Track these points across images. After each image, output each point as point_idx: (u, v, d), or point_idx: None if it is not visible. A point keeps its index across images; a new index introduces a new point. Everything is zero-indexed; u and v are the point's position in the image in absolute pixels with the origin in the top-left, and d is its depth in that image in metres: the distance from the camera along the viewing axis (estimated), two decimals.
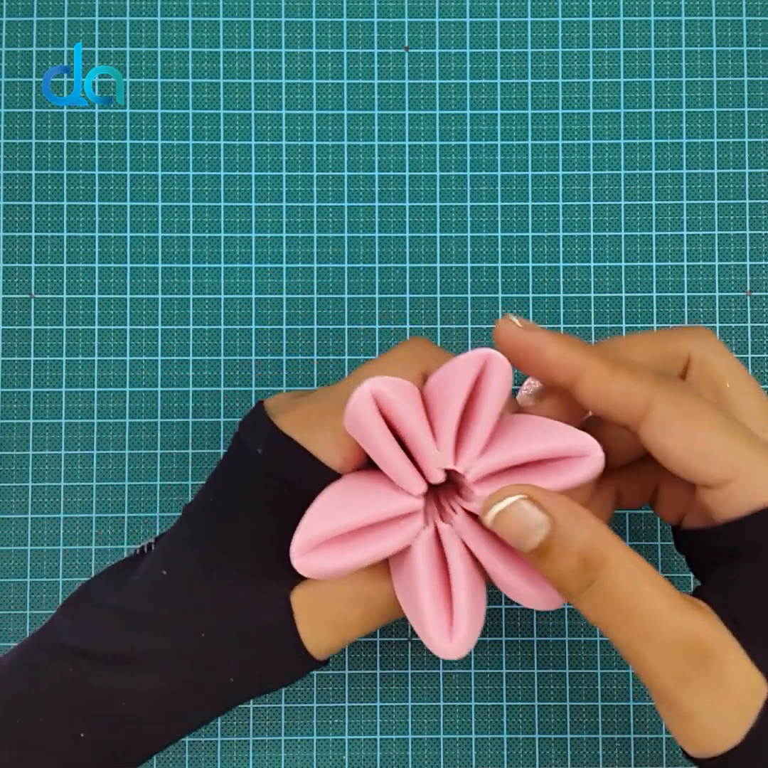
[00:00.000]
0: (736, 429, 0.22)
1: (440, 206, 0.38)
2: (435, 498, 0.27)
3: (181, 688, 0.27)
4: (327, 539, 0.25)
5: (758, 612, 0.21)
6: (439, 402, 0.25)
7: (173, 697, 0.27)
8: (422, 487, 0.25)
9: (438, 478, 0.25)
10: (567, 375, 0.24)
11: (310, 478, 0.26)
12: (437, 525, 0.26)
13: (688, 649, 0.21)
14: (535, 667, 0.37)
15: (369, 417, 0.24)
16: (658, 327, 0.38)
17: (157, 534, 0.34)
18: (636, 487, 0.28)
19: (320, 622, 0.27)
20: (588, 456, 0.24)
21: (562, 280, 0.38)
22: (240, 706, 0.37)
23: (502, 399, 0.24)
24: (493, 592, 0.37)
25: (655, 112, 0.38)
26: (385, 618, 0.28)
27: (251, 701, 0.37)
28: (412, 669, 0.37)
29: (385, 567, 0.27)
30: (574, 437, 0.24)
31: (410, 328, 0.38)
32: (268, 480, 0.28)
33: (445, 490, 0.27)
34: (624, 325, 0.38)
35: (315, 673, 0.37)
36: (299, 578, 0.27)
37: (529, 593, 0.25)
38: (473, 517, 0.26)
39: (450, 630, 0.25)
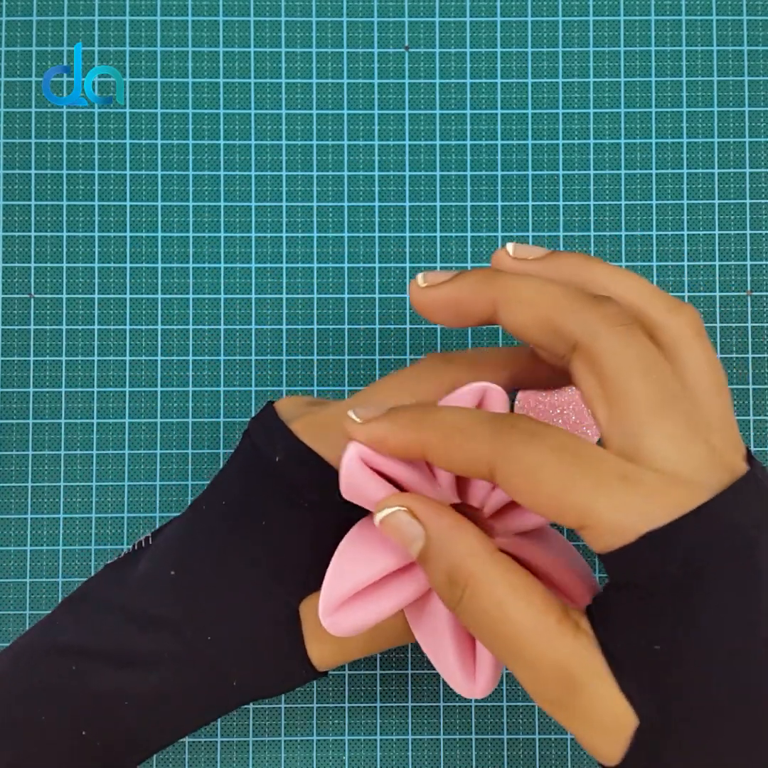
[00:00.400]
0: (579, 475, 0.20)
1: (440, 206, 0.38)
2: None
3: (184, 690, 0.27)
4: (351, 596, 0.24)
5: (626, 640, 0.20)
6: None
7: (176, 698, 0.27)
8: None
9: None
10: (417, 457, 0.23)
11: (329, 487, 0.26)
12: None
13: (555, 675, 0.20)
14: None
15: (362, 479, 0.24)
16: None
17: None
18: None
19: (327, 638, 0.27)
20: None
21: None
22: (240, 707, 0.37)
23: None
24: None
25: (656, 112, 0.38)
26: (392, 643, 0.28)
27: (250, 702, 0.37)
28: (411, 670, 0.37)
29: None
30: None
31: (410, 328, 0.38)
32: (285, 487, 0.27)
33: None
34: None
35: None
36: (309, 588, 0.27)
37: None
38: None
39: (474, 669, 0.25)
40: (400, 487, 0.24)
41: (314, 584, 0.26)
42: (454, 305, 0.24)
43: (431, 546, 0.22)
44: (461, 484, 0.25)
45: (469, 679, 0.24)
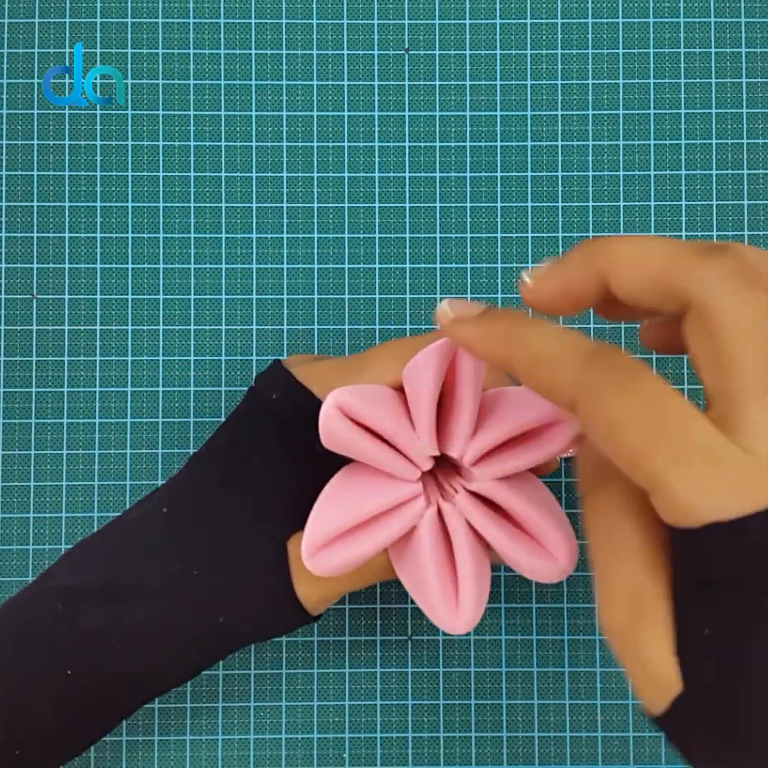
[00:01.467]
0: (662, 441, 0.18)
1: (440, 207, 0.38)
2: (435, 479, 0.27)
3: (171, 625, 0.27)
4: (334, 537, 0.25)
5: (684, 613, 0.20)
6: (413, 392, 0.25)
7: (164, 633, 0.27)
8: (416, 474, 0.26)
9: (426, 465, 0.26)
10: (502, 368, 0.22)
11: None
12: (440, 505, 0.26)
13: (628, 593, 0.20)
14: (535, 665, 0.37)
15: (341, 428, 0.24)
16: None
17: None
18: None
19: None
20: (566, 421, 0.25)
21: None
22: (241, 704, 0.37)
23: (478, 384, 0.25)
24: (492, 594, 0.37)
25: (654, 114, 0.38)
26: (380, 577, 0.28)
27: (252, 698, 0.37)
28: (412, 668, 0.37)
29: None
30: (553, 404, 0.25)
31: (410, 328, 0.38)
32: (280, 425, 0.28)
33: (445, 471, 0.27)
34: (623, 325, 0.38)
35: (315, 671, 0.37)
36: (297, 525, 0.27)
37: (533, 566, 0.25)
38: (475, 495, 0.26)
39: (456, 605, 0.25)
40: (378, 437, 0.25)
41: (302, 522, 0.26)
42: (567, 292, 0.22)
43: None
44: (441, 434, 0.26)
45: (452, 615, 0.25)
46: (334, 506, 0.25)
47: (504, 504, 0.26)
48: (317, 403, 0.26)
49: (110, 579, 0.28)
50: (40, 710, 0.28)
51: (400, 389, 0.26)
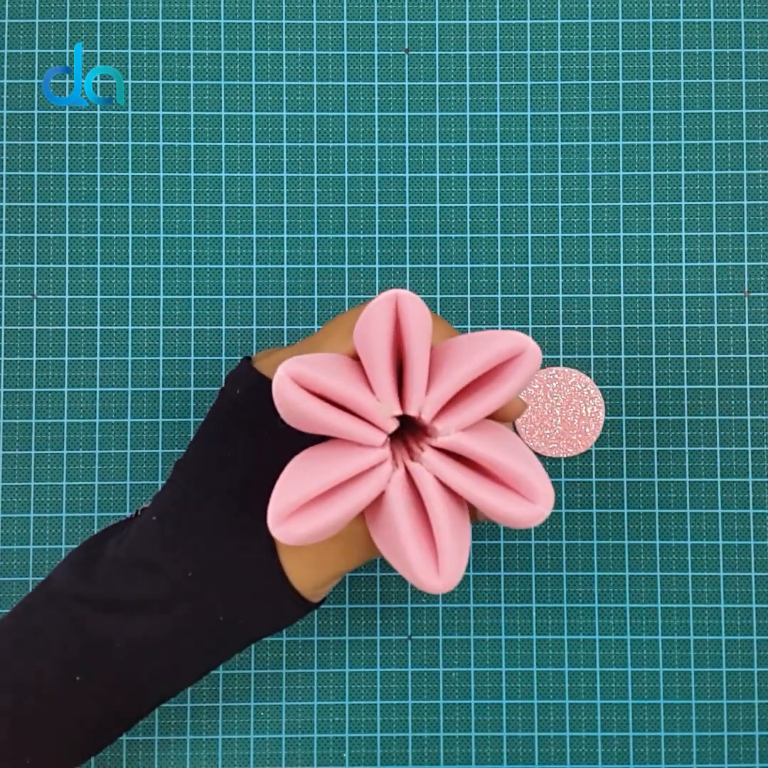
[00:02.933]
0: None
1: (440, 207, 0.38)
2: (405, 445, 0.27)
3: (173, 629, 0.28)
4: (301, 505, 0.25)
5: None
6: (365, 353, 0.25)
7: (166, 638, 0.28)
8: (381, 438, 0.25)
9: (391, 426, 0.25)
10: None
11: None
12: (407, 466, 0.26)
13: None
14: (535, 665, 0.37)
15: (295, 397, 0.24)
16: (657, 328, 0.38)
17: None
18: None
19: (303, 555, 0.27)
20: (524, 352, 0.24)
21: (561, 280, 0.38)
22: (241, 703, 0.37)
23: (425, 333, 0.24)
24: (493, 593, 0.37)
25: (654, 114, 0.38)
26: (366, 553, 0.28)
27: (252, 698, 0.37)
28: (412, 667, 0.37)
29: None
30: (502, 340, 0.24)
31: None
32: (246, 418, 0.28)
33: (415, 436, 0.27)
34: (622, 326, 0.38)
35: (315, 671, 0.37)
36: None
37: (509, 511, 0.25)
38: (443, 451, 0.26)
39: (436, 565, 0.25)
40: (335, 405, 0.25)
41: None
42: None
43: None
44: (402, 399, 0.25)
45: (432, 576, 0.25)
46: (299, 476, 0.25)
47: (472, 454, 0.25)
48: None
49: (112, 590, 0.28)
50: (51, 717, 0.28)
51: (358, 359, 0.26)
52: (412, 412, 0.25)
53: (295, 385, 0.24)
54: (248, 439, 0.28)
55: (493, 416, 0.27)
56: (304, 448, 0.26)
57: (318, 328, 0.38)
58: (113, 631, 0.28)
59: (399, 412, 0.25)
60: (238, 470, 0.28)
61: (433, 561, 0.25)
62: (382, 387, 0.25)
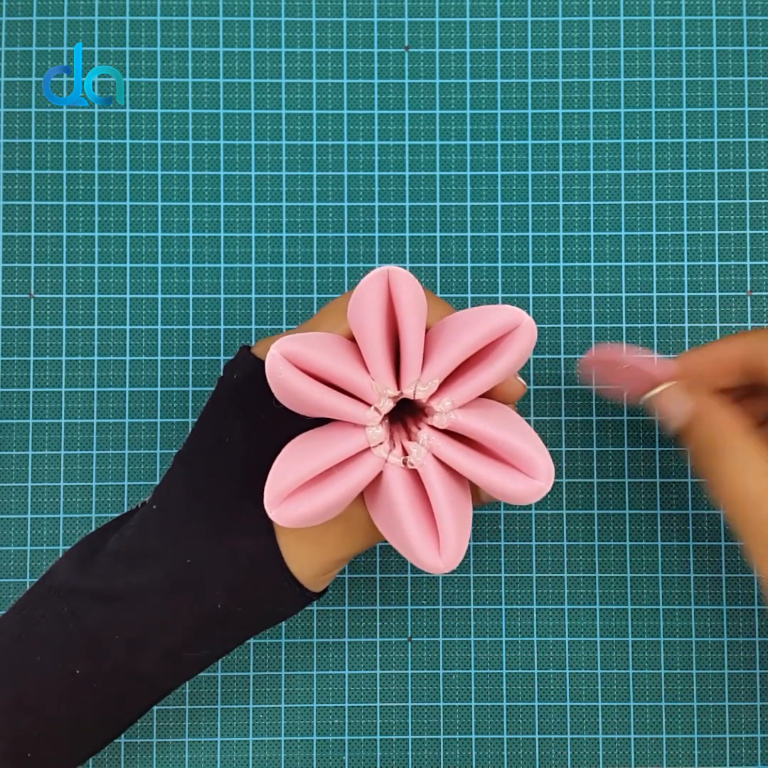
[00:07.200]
0: None
1: (440, 206, 0.38)
2: (405, 429, 0.27)
3: (171, 619, 0.28)
4: (298, 487, 0.24)
5: None
6: (359, 332, 0.24)
7: (164, 628, 0.28)
8: (377, 418, 0.25)
9: (387, 406, 0.25)
10: None
11: None
12: (405, 446, 0.25)
13: None
14: (535, 666, 0.37)
15: (288, 375, 0.24)
16: (658, 327, 0.38)
17: None
18: None
19: (302, 539, 0.27)
20: (519, 325, 0.24)
21: (562, 279, 0.38)
22: (240, 706, 0.37)
23: (418, 309, 0.24)
24: (493, 595, 0.37)
25: (656, 112, 0.38)
26: (367, 538, 0.28)
27: (251, 700, 0.37)
28: (412, 669, 0.37)
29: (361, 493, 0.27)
30: (496, 314, 0.24)
31: None
32: (243, 404, 0.28)
33: (415, 419, 0.27)
34: (624, 325, 0.38)
35: (315, 673, 0.37)
36: None
37: (509, 487, 0.25)
38: (444, 433, 0.25)
39: (437, 545, 0.25)
40: (329, 385, 0.24)
41: None
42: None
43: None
44: (399, 380, 0.25)
45: (434, 555, 0.25)
46: (295, 458, 0.25)
47: (471, 432, 0.25)
48: None
49: (111, 581, 0.28)
50: (52, 711, 0.28)
51: (355, 341, 0.26)
52: (407, 390, 0.25)
53: (287, 363, 0.24)
54: (247, 423, 0.28)
55: (493, 398, 0.27)
56: (303, 432, 0.26)
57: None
58: (113, 622, 0.27)
59: (394, 391, 0.25)
60: (237, 456, 0.28)
61: (434, 541, 0.25)
62: (376, 366, 0.24)
